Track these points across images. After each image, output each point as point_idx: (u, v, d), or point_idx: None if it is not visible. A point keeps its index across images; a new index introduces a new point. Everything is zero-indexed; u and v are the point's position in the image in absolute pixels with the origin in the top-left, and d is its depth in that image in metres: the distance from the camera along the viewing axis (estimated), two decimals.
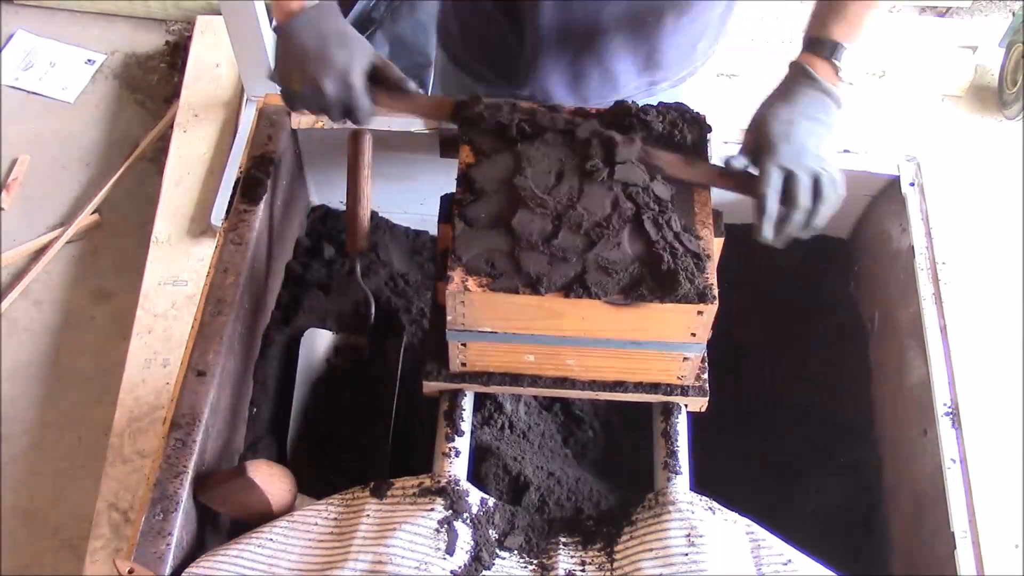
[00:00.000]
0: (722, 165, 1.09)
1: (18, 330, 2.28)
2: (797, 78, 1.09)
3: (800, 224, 1.05)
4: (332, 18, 1.10)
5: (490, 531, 1.04)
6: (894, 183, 1.36)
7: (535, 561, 1.04)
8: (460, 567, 1.00)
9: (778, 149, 1.04)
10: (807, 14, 1.14)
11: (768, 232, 1.05)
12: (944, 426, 1.15)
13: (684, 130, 1.10)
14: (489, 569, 1.01)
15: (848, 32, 1.09)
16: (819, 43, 1.09)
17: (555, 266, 0.99)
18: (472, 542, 1.02)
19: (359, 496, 1.05)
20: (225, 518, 1.14)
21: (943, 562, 1.08)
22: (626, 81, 1.33)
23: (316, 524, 1.03)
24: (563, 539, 1.06)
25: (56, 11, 2.83)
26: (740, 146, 1.10)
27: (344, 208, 1.34)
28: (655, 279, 0.98)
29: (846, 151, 1.38)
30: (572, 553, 1.04)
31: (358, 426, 1.29)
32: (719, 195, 1.37)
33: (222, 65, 2.59)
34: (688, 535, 1.01)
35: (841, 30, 1.09)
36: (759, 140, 1.06)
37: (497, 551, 1.03)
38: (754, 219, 1.05)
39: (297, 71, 1.09)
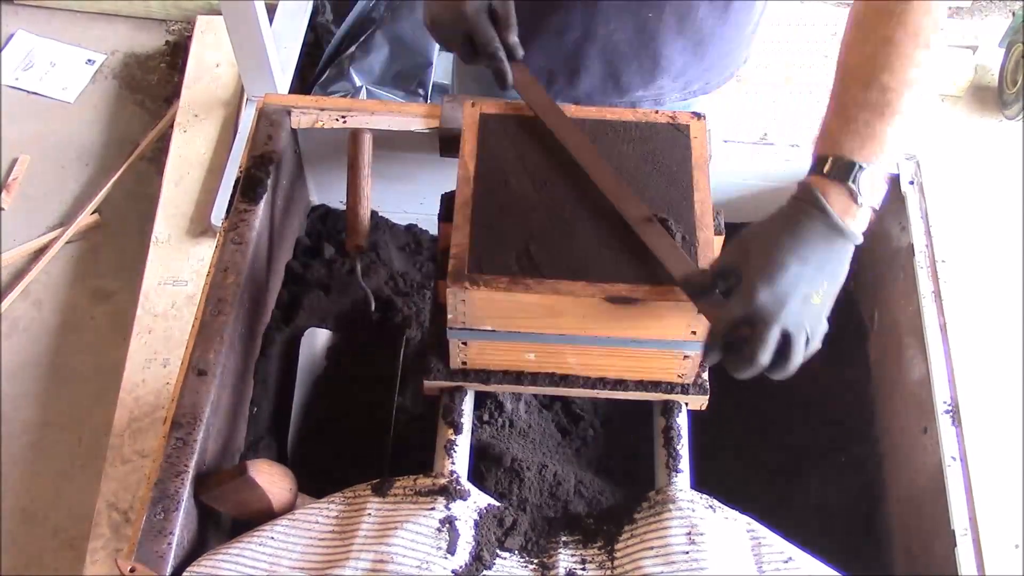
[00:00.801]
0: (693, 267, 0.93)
1: (18, 330, 2.28)
2: (802, 207, 0.88)
3: (745, 375, 0.88)
4: None
5: (491, 530, 1.04)
6: (893, 181, 1.36)
7: (536, 560, 1.04)
8: (461, 566, 1.00)
9: (755, 292, 0.85)
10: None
11: (708, 363, 0.93)
12: (944, 424, 1.15)
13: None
14: (490, 569, 1.01)
15: (864, 147, 0.88)
16: (827, 163, 0.88)
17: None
18: (473, 542, 1.02)
19: (360, 495, 1.05)
20: (226, 517, 1.14)
21: (943, 560, 1.08)
22: (668, 70, 1.27)
23: (317, 523, 1.03)
24: (564, 538, 1.06)
25: (56, 11, 2.83)
26: (718, 259, 0.93)
27: (344, 208, 1.34)
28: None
29: None
30: (573, 552, 1.04)
31: (358, 425, 1.29)
32: (718, 194, 1.37)
33: (222, 65, 2.60)
34: (689, 533, 1.01)
35: (856, 145, 0.88)
36: (739, 270, 0.88)
37: (498, 551, 1.03)
38: (704, 342, 0.91)
39: (428, 6, 1.09)
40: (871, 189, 0.88)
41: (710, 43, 1.27)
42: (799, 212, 0.88)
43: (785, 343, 0.86)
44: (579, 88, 1.31)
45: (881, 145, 0.88)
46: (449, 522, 1.02)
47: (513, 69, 1.08)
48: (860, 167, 0.87)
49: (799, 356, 0.87)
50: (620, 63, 1.27)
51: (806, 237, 0.87)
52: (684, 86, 1.34)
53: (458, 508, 1.03)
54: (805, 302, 0.86)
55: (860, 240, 0.89)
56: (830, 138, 0.90)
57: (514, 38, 1.05)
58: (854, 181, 0.87)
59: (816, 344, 0.88)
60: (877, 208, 0.90)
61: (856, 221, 0.88)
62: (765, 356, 0.85)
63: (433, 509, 1.03)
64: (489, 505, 1.07)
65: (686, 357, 1.06)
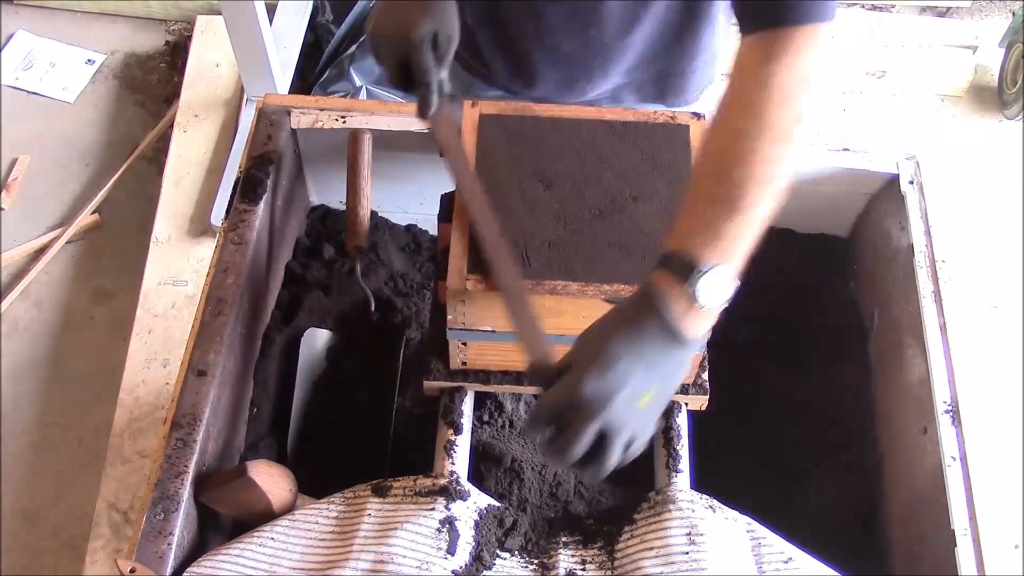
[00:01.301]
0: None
1: (18, 330, 2.28)
2: (641, 306, 0.82)
3: (557, 465, 0.89)
4: None
5: (491, 531, 1.04)
6: (893, 181, 1.36)
7: (536, 561, 1.04)
8: (461, 567, 1.00)
9: (580, 384, 0.80)
10: None
11: (529, 438, 0.92)
12: (944, 424, 1.15)
13: None
14: (490, 569, 1.01)
15: (710, 246, 0.82)
16: (671, 260, 0.82)
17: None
18: (473, 542, 1.02)
19: (361, 495, 1.05)
20: (226, 518, 1.14)
21: (943, 560, 1.08)
22: (620, 78, 1.29)
23: (317, 523, 1.04)
24: (564, 538, 1.06)
25: (56, 11, 2.83)
26: (566, 354, 0.86)
27: (344, 208, 1.34)
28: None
29: (845, 149, 1.39)
30: (573, 552, 1.04)
31: (358, 425, 1.29)
32: None
33: (222, 65, 2.60)
34: (689, 533, 1.01)
35: (703, 244, 0.82)
36: (569, 373, 0.82)
37: (498, 551, 1.03)
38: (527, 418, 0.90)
39: (377, 16, 1.05)
40: (713, 290, 0.81)
41: (661, 62, 1.28)
42: (638, 311, 0.82)
43: (601, 442, 0.81)
44: (536, 92, 1.32)
45: (728, 244, 0.82)
46: (449, 522, 1.02)
47: (440, 102, 1.05)
48: (699, 271, 0.81)
49: (614, 457, 0.81)
50: (572, 71, 1.28)
51: (640, 338, 0.81)
52: (639, 95, 1.35)
53: (458, 508, 1.03)
54: (629, 404, 0.81)
55: (698, 346, 0.86)
56: (677, 233, 0.84)
57: (445, 73, 1.03)
58: (692, 283, 0.81)
59: (638, 447, 0.83)
60: (719, 311, 0.84)
61: (695, 324, 0.82)
62: (577, 449, 0.80)
63: (433, 509, 1.03)
64: (489, 505, 1.07)
65: None
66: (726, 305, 0.83)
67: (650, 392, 0.82)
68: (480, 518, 1.05)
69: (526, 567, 1.03)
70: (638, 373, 0.80)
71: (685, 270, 0.81)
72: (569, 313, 1.00)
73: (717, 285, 0.81)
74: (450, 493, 1.04)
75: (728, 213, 0.82)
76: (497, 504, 1.07)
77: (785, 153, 0.83)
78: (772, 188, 0.83)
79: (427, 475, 1.07)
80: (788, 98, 0.84)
